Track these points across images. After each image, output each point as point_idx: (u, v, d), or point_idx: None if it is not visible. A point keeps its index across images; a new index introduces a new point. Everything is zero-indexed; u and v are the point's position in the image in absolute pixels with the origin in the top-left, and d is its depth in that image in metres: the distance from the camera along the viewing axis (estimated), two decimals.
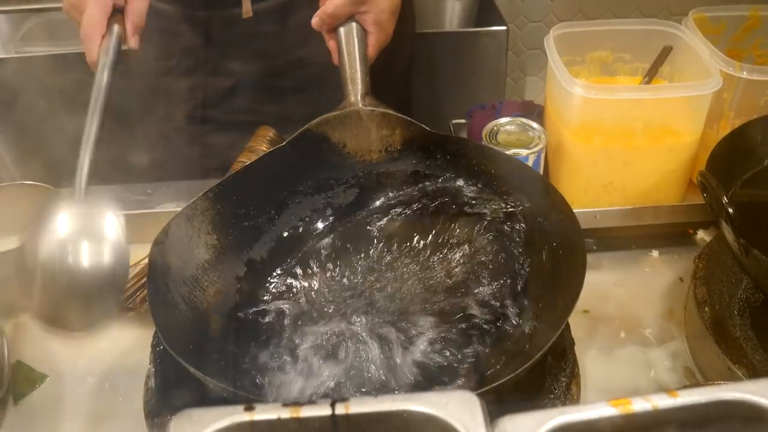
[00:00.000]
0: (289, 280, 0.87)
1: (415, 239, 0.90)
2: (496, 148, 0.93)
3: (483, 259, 0.87)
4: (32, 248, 0.72)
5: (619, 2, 1.95)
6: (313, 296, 0.85)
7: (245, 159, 1.01)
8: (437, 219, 0.90)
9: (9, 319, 0.93)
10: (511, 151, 0.96)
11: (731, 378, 0.77)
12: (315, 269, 0.88)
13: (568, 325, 0.82)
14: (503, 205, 0.87)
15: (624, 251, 1.03)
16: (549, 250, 0.81)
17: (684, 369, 0.86)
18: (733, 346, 0.81)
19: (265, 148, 1.02)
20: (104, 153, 1.12)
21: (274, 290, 0.86)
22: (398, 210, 0.92)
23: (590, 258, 1.01)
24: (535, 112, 1.10)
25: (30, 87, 1.60)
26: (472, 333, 0.79)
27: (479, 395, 0.47)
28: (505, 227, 0.87)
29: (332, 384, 0.74)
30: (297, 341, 0.79)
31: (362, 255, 0.89)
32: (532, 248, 0.84)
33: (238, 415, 0.45)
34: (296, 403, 0.45)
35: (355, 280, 0.87)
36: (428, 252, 0.89)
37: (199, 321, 0.78)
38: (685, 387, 0.76)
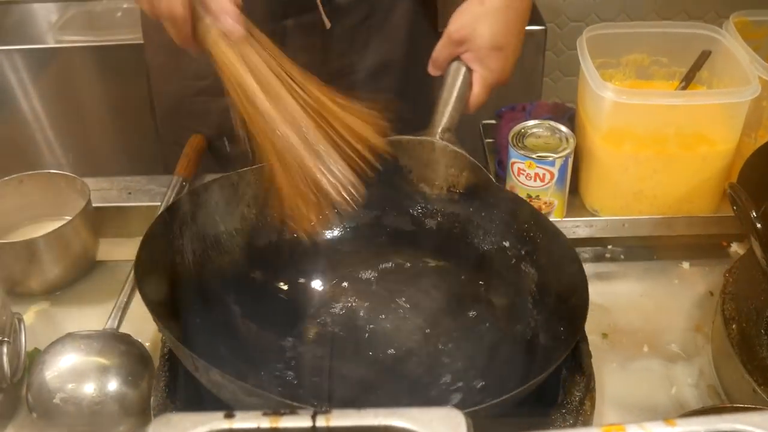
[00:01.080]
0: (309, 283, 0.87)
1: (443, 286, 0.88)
2: (548, 218, 0.88)
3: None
4: None
5: (664, 3, 1.89)
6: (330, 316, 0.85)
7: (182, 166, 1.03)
8: (475, 271, 0.88)
9: (29, 306, 0.94)
10: (536, 155, 0.94)
11: (755, 401, 0.74)
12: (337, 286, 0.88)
13: (585, 337, 0.80)
14: (534, 280, 0.84)
15: (652, 261, 1.00)
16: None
17: (708, 387, 0.83)
18: (759, 367, 0.77)
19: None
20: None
21: (286, 287, 0.86)
22: (439, 250, 0.90)
23: (616, 267, 1.00)
24: (566, 115, 1.07)
25: (68, 77, 1.63)
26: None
27: (472, 413, 0.46)
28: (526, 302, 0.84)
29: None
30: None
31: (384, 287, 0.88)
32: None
33: (217, 422, 0.44)
34: (276, 413, 0.44)
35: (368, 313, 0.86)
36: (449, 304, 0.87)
37: (196, 277, 0.79)
38: (701, 410, 0.73)
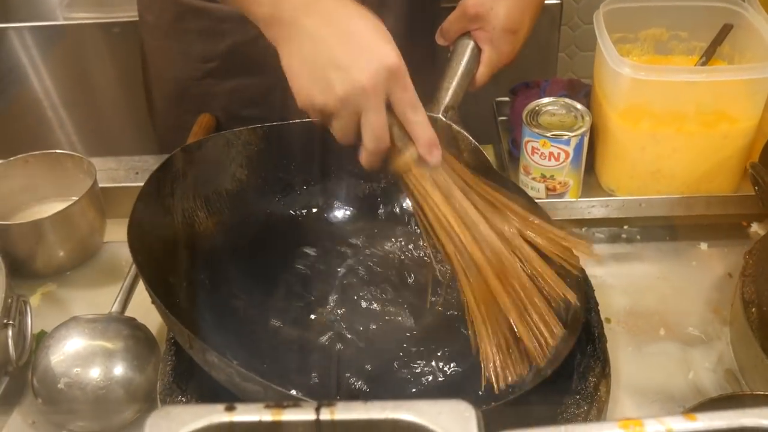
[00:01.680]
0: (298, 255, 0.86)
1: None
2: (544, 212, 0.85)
3: None
4: None
5: None
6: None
7: None
8: None
9: (35, 288, 0.93)
10: (551, 133, 0.91)
11: None
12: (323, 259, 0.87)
13: (600, 321, 0.78)
14: None
15: (670, 242, 0.98)
16: None
17: (726, 372, 0.81)
18: None
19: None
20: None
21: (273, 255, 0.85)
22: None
23: (633, 249, 0.98)
24: (582, 92, 1.04)
25: (77, 54, 1.61)
26: None
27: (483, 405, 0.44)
28: None
29: None
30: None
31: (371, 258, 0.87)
32: None
33: (217, 414, 0.42)
34: (279, 405, 0.42)
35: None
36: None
37: (184, 239, 0.78)
38: (719, 398, 0.71)
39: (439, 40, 0.88)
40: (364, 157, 0.71)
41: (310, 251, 0.87)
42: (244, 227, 0.86)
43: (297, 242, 0.88)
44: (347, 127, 0.69)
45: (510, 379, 0.69)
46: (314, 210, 0.91)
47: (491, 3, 0.83)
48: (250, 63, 1.04)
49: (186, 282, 0.76)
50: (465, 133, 0.83)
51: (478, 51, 0.85)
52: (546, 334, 0.71)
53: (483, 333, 0.71)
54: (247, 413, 0.42)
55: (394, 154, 0.72)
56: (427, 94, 0.85)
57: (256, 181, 0.86)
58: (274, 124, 0.85)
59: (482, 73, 0.85)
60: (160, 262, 0.73)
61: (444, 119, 0.83)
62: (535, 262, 0.73)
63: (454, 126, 0.83)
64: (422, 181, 0.72)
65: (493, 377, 0.69)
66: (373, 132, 0.68)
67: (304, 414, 0.42)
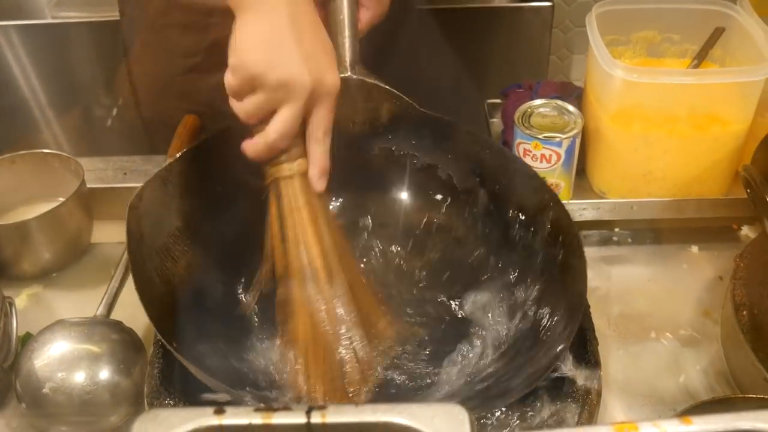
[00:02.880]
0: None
1: (393, 226, 0.88)
2: (486, 137, 0.88)
3: (464, 256, 0.84)
4: None
5: None
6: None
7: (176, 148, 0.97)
8: (416, 204, 0.88)
9: (21, 289, 0.92)
10: (543, 135, 0.91)
11: (766, 389, 0.72)
12: None
13: (591, 324, 0.78)
14: (488, 196, 0.83)
15: (661, 245, 0.98)
16: (544, 252, 0.77)
17: (717, 375, 0.81)
18: None
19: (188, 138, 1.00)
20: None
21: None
22: (373, 191, 0.89)
23: (624, 251, 0.97)
24: (574, 94, 1.03)
25: (65, 53, 1.60)
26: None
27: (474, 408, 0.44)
28: (488, 223, 0.83)
29: None
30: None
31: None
32: (518, 249, 0.81)
33: (206, 417, 0.41)
34: (269, 408, 0.42)
35: None
36: (407, 242, 0.87)
37: (173, 296, 0.75)
38: (711, 401, 0.70)
39: None
40: (258, 145, 0.71)
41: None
42: (217, 252, 0.82)
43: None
44: (261, 108, 0.69)
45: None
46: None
47: None
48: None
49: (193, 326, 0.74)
50: (380, 84, 0.83)
51: (354, 4, 0.83)
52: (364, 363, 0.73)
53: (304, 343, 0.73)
54: (237, 416, 0.41)
55: (284, 158, 0.72)
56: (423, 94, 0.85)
57: (200, 205, 0.81)
58: (197, 144, 0.82)
59: (362, 30, 0.85)
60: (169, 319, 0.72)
61: (355, 77, 0.82)
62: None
63: (367, 80, 0.82)
64: (298, 194, 0.73)
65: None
66: (284, 126, 0.69)
67: (295, 417, 0.41)
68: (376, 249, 0.87)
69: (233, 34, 0.70)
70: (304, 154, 0.73)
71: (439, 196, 0.87)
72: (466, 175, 0.85)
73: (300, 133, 0.72)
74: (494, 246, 0.83)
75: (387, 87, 0.83)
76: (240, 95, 0.70)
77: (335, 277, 0.74)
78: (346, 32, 0.82)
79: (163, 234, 0.76)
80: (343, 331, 0.72)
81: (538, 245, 0.78)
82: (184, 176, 0.79)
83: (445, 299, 0.82)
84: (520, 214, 0.81)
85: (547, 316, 0.74)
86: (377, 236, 0.88)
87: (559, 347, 0.68)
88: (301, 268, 0.73)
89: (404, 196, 0.89)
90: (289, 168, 0.73)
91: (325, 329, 0.72)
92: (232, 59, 0.69)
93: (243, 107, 0.70)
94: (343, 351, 0.72)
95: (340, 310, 0.73)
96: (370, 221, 0.89)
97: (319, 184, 0.73)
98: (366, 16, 0.84)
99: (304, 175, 0.73)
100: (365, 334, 0.74)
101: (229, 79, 0.70)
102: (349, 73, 0.81)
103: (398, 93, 0.83)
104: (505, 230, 0.82)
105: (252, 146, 0.71)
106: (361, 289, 0.77)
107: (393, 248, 0.87)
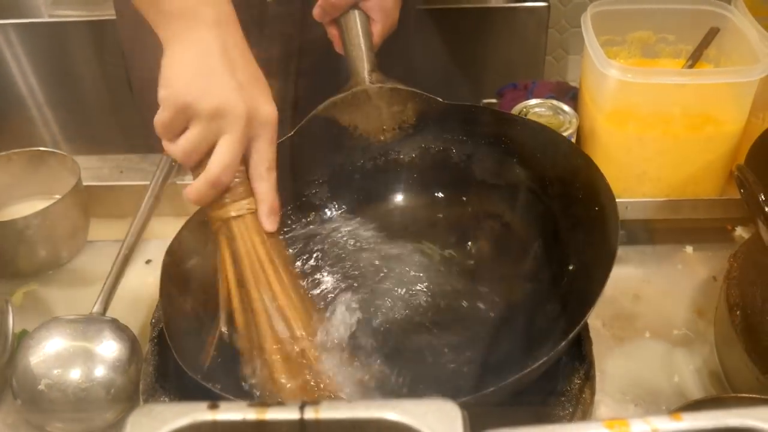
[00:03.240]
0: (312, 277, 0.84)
1: (441, 221, 0.87)
2: (512, 114, 0.88)
3: (507, 236, 0.84)
4: None
5: None
6: (336, 292, 0.82)
7: None
8: (462, 192, 0.88)
9: (17, 287, 0.92)
10: None
11: (758, 389, 0.72)
12: (337, 264, 0.85)
13: (586, 324, 0.78)
14: (528, 173, 0.83)
15: (655, 245, 0.98)
16: (573, 225, 0.77)
17: (710, 375, 0.81)
18: (764, 355, 0.75)
19: None
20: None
21: None
22: (419, 189, 0.89)
23: (618, 251, 0.97)
24: (569, 94, 1.04)
25: (62, 52, 1.60)
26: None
27: (468, 402, 0.44)
28: (529, 199, 0.83)
29: None
30: None
31: (388, 242, 0.86)
32: (553, 222, 0.80)
33: (200, 413, 0.42)
34: (263, 404, 0.42)
35: (380, 272, 0.83)
36: (455, 234, 0.86)
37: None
38: (703, 400, 0.71)
39: (321, 16, 0.85)
40: (200, 185, 0.67)
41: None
42: None
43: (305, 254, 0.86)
44: (198, 143, 0.66)
45: None
46: (302, 229, 0.87)
47: None
48: None
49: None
50: (399, 85, 0.83)
51: (366, 19, 0.84)
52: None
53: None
54: (231, 411, 0.42)
55: (229, 199, 0.69)
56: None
57: None
58: None
59: (376, 43, 0.85)
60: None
61: (373, 85, 0.82)
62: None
63: (385, 86, 0.83)
64: (252, 232, 0.70)
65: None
66: (224, 157, 0.66)
67: (288, 413, 0.42)
68: (430, 251, 0.86)
69: (162, 68, 0.67)
70: (250, 193, 0.70)
71: (482, 185, 0.87)
72: (502, 158, 0.85)
73: (242, 173, 0.69)
74: (543, 230, 0.83)
75: (406, 87, 0.84)
76: (174, 132, 0.67)
77: (299, 316, 0.71)
78: (362, 46, 0.83)
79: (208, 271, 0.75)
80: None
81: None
82: None
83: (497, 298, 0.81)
84: (556, 185, 0.80)
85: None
86: (428, 238, 0.87)
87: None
88: (264, 309, 0.69)
89: (449, 191, 0.89)
90: (236, 208, 0.70)
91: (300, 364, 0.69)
92: (161, 92, 0.66)
93: (180, 146, 0.67)
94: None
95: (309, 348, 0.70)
96: (419, 224, 0.88)
97: (269, 223, 0.70)
98: (377, 29, 0.85)
99: (254, 213, 0.70)
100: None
101: (161, 116, 0.66)
102: (367, 84, 0.82)
103: (418, 90, 0.84)
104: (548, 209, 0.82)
105: (194, 189, 0.67)
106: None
107: (447, 249, 0.86)
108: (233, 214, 0.70)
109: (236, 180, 0.69)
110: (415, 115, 0.85)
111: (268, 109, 0.68)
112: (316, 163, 0.87)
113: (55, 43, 1.59)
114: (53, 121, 1.67)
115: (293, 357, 0.69)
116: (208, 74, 0.66)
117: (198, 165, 0.68)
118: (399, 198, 0.90)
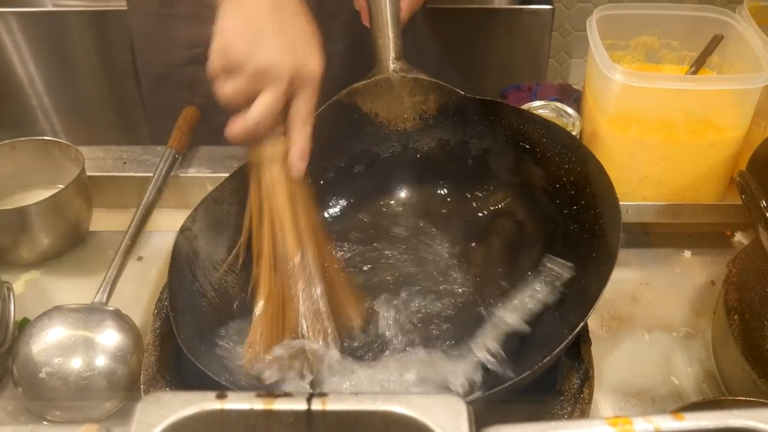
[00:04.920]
0: None
1: (453, 211, 0.88)
2: (533, 112, 0.88)
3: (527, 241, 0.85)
4: None
5: None
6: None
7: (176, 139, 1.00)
8: (476, 187, 0.89)
9: (19, 275, 0.92)
10: None
11: (755, 393, 0.73)
12: (354, 247, 0.86)
13: (585, 324, 0.79)
14: (543, 171, 0.84)
15: (654, 249, 0.98)
16: (582, 222, 0.78)
17: (707, 378, 0.82)
18: (761, 359, 0.76)
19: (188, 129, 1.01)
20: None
21: None
22: (436, 180, 0.90)
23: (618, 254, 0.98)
24: (573, 96, 1.05)
25: (64, 41, 1.60)
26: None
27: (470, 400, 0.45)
28: (543, 197, 0.84)
29: None
30: None
31: (402, 229, 0.88)
32: (558, 221, 0.82)
33: (208, 402, 0.42)
34: (271, 394, 0.42)
35: (398, 258, 0.85)
36: (463, 228, 0.87)
37: (228, 307, 0.77)
38: (700, 403, 0.71)
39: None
40: (239, 127, 0.72)
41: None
42: None
43: None
44: (243, 92, 0.70)
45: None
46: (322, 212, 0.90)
47: None
48: None
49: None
50: (423, 76, 0.84)
51: None
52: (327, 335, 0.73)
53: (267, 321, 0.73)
54: (239, 401, 0.42)
55: (265, 144, 0.74)
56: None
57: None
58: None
59: (403, 18, 0.86)
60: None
61: (396, 74, 0.83)
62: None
63: (408, 75, 0.83)
64: (276, 178, 0.74)
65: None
66: (266, 109, 0.70)
67: (296, 404, 0.42)
68: (439, 244, 0.87)
69: (216, 21, 0.71)
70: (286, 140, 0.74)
71: (497, 180, 0.88)
72: (519, 155, 0.85)
73: (282, 120, 0.73)
74: (547, 228, 0.84)
75: (429, 78, 0.84)
76: (221, 79, 0.71)
77: (309, 261, 0.74)
78: (389, 27, 0.83)
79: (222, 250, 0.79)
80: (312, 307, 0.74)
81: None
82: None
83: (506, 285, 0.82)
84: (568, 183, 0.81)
85: None
86: (441, 230, 0.88)
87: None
88: (275, 250, 0.74)
89: (464, 185, 0.90)
90: (270, 150, 0.74)
91: (295, 308, 0.73)
92: (213, 45, 0.70)
93: (224, 91, 0.71)
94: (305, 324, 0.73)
95: (312, 293, 0.74)
96: (432, 215, 0.89)
97: (299, 165, 0.74)
98: (405, 4, 0.85)
99: (285, 161, 0.74)
100: (335, 316, 0.74)
101: (211, 63, 0.71)
102: (391, 72, 0.82)
103: (440, 82, 0.84)
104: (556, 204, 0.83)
105: (231, 129, 0.72)
106: (336, 276, 0.78)
107: (455, 244, 0.87)
108: (266, 156, 0.74)
109: (275, 128, 0.73)
110: (437, 106, 0.85)
111: (313, 65, 0.71)
112: (337, 148, 0.87)
113: (58, 32, 1.59)
114: (54, 111, 1.67)
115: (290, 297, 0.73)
116: (257, 35, 0.69)
117: (240, 108, 0.72)
118: (414, 187, 0.91)
